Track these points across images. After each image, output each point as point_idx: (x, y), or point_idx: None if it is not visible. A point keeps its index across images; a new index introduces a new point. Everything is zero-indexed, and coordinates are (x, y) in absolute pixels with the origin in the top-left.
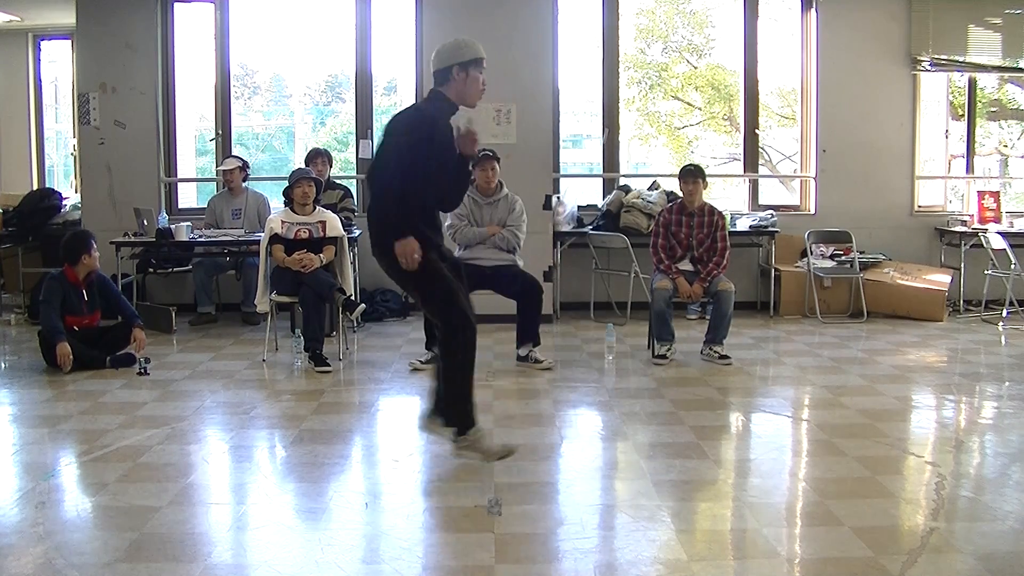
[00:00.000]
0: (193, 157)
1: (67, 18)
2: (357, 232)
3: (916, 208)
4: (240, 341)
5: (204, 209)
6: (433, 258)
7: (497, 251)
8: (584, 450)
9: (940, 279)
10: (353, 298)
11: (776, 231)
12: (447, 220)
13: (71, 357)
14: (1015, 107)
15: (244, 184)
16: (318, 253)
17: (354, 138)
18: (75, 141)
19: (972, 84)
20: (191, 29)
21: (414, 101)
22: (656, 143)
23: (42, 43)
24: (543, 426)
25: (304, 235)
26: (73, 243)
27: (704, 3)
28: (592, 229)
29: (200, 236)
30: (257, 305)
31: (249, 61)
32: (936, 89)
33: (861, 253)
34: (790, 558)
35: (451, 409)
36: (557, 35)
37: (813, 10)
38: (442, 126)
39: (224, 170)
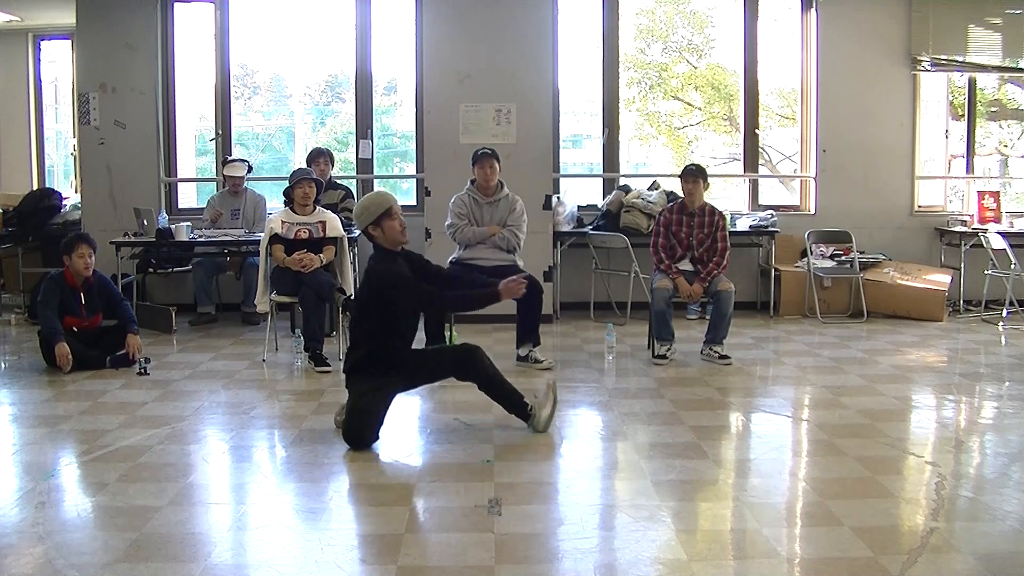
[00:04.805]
0: (193, 157)
1: (67, 18)
2: (357, 232)
3: (916, 208)
4: (240, 341)
5: (204, 209)
6: None
7: (497, 251)
8: (584, 450)
9: (940, 279)
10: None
11: (776, 231)
12: (447, 219)
13: (71, 357)
14: (1015, 107)
15: (244, 184)
16: (318, 253)
17: (354, 138)
18: (75, 141)
19: (972, 84)
20: (191, 29)
21: (414, 104)
22: (656, 143)
23: (42, 43)
24: None
25: (304, 235)
26: (63, 244)
27: (704, 3)
28: (592, 229)
29: (200, 236)
30: (257, 305)
31: (249, 61)
32: (936, 89)
33: (861, 253)
34: (790, 558)
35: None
36: (557, 35)
37: (813, 10)
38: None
39: (234, 176)
